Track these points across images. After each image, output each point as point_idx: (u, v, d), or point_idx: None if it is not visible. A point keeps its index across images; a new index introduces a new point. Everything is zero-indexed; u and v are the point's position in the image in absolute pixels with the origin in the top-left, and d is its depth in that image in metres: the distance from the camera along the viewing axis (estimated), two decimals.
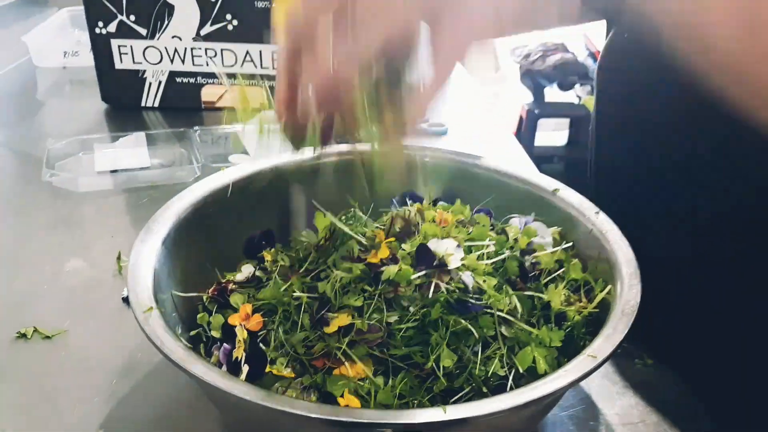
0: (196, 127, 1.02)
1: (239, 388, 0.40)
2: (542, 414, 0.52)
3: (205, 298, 0.58)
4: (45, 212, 0.85)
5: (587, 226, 0.57)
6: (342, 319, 0.49)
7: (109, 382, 0.59)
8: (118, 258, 0.74)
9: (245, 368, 0.48)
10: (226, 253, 0.63)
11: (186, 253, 0.59)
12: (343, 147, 0.64)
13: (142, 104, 1.14)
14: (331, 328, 0.50)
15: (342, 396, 0.49)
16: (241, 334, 0.50)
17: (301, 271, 0.55)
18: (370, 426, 0.38)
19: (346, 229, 0.55)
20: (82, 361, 0.62)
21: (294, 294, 0.52)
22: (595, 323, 0.49)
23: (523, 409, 0.39)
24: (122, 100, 1.15)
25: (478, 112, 1.22)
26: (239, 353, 0.50)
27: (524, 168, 0.66)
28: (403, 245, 0.53)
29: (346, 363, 0.49)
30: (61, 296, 0.70)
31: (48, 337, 0.64)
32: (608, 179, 0.72)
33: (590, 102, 3.17)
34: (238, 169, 0.67)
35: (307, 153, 0.67)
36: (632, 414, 0.56)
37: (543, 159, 3.17)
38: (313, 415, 0.38)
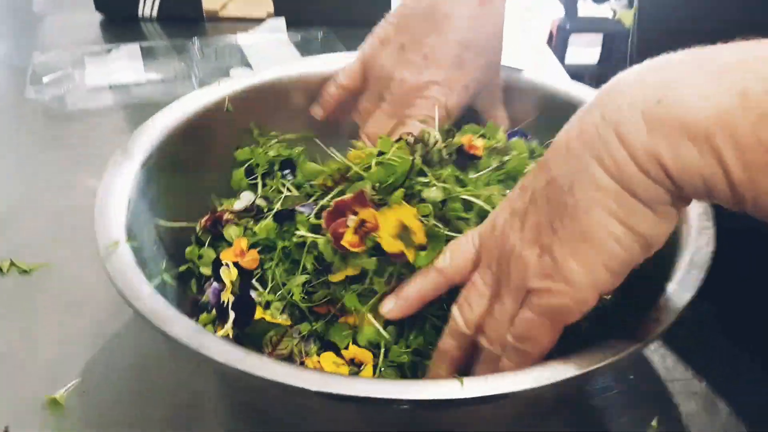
0: (195, 39, 0.92)
1: (209, 346, 0.33)
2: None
3: (197, 228, 0.51)
4: (28, 132, 0.78)
5: None
6: (351, 270, 0.41)
7: (94, 323, 0.53)
8: None
9: (231, 314, 0.41)
10: (225, 177, 0.55)
11: (174, 177, 0.51)
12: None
13: (139, 14, 1.03)
14: (337, 277, 0.42)
15: (347, 348, 0.42)
16: (228, 276, 0.43)
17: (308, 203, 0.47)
18: (375, 402, 0.31)
19: (359, 171, 0.45)
20: (64, 299, 0.55)
21: (297, 232, 0.44)
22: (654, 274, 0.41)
23: (577, 381, 0.32)
24: (117, 10, 1.04)
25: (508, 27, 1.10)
26: (226, 296, 0.43)
27: (575, 83, 0.56)
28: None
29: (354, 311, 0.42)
30: (43, 224, 0.64)
31: (26, 272, 0.57)
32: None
33: (626, 16, 2.97)
34: (237, 80, 0.58)
35: (314, 64, 0.58)
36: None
37: (573, 78, 3.00)
38: (290, 382, 0.31)
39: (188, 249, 0.49)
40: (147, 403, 0.47)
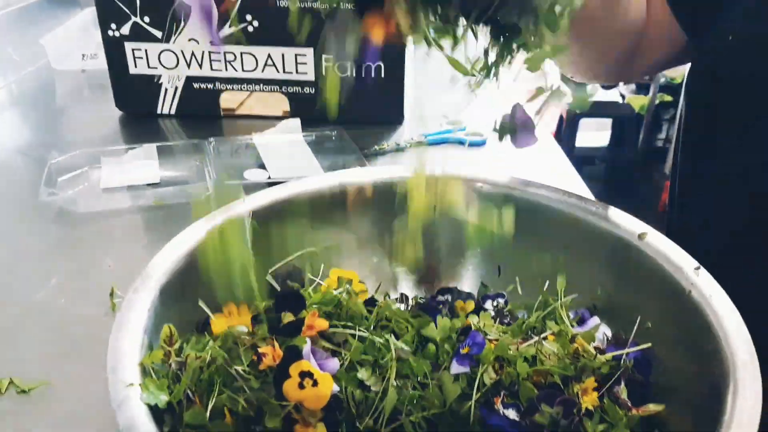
0: (212, 138, 0.92)
1: None
2: None
3: None
4: (40, 235, 0.77)
5: (683, 285, 0.45)
6: None
7: None
8: (111, 294, 0.65)
9: None
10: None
11: (190, 302, 0.49)
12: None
13: (158, 111, 1.05)
14: None
15: None
16: None
17: None
18: None
19: None
20: (65, 421, 0.52)
21: None
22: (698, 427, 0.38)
23: None
24: (137, 108, 1.06)
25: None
26: None
27: (601, 204, 0.54)
28: None
29: None
30: (49, 336, 0.61)
31: (24, 392, 0.55)
32: (694, 198, 0.61)
33: (635, 101, 3.01)
34: (257, 197, 0.56)
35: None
36: None
37: (584, 160, 3.02)
38: None
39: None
40: None
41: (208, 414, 0.41)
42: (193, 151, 0.91)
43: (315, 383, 0.41)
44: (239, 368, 0.42)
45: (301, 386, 0.41)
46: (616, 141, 3.06)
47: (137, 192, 0.84)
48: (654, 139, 3.04)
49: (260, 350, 0.44)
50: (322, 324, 0.47)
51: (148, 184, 0.85)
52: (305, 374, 0.42)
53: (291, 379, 0.41)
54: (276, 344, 0.44)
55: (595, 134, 3.09)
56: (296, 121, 0.97)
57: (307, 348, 0.43)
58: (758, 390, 0.35)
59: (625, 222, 0.51)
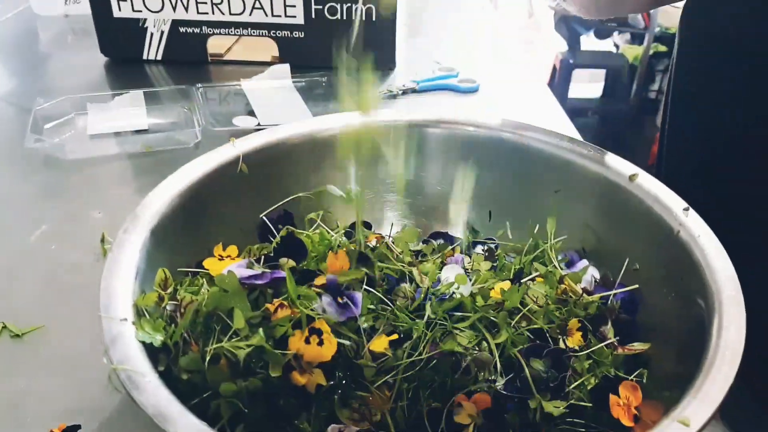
0: (199, 85, 0.91)
1: None
2: None
3: None
4: (28, 182, 0.76)
5: (672, 225, 0.45)
6: None
7: (91, 393, 0.50)
8: (102, 240, 0.65)
9: None
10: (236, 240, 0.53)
11: (180, 244, 0.49)
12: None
13: (144, 57, 1.03)
14: None
15: None
16: None
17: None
18: None
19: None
20: (59, 365, 0.53)
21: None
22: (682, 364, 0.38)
23: None
24: (122, 53, 1.03)
25: (510, 63, 1.10)
26: None
27: (593, 146, 0.54)
28: None
29: None
30: (41, 282, 0.61)
31: (18, 336, 0.55)
32: (682, 148, 0.61)
33: (629, 51, 2.97)
34: (247, 140, 0.56)
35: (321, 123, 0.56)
36: None
37: (576, 112, 2.99)
38: None
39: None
40: None
41: (206, 362, 0.41)
42: (181, 98, 0.89)
43: (321, 342, 0.41)
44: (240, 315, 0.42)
45: (307, 341, 0.41)
46: (609, 92, 3.03)
47: (125, 139, 0.82)
48: (647, 90, 3.01)
49: (274, 303, 0.43)
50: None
51: (136, 131, 0.83)
52: (315, 331, 0.42)
53: (298, 333, 0.42)
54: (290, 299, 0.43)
55: (588, 85, 3.06)
56: (285, 67, 0.95)
57: (327, 299, 0.43)
58: (742, 326, 0.36)
59: (616, 164, 0.51)
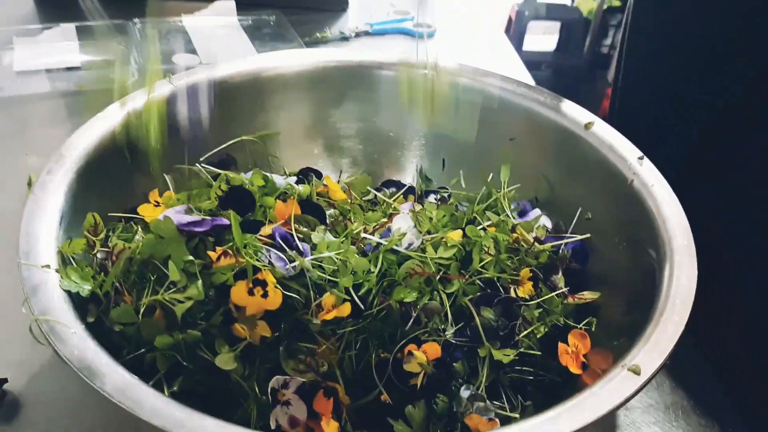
0: (136, 20, 0.85)
1: (144, 405, 0.28)
2: None
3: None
4: None
5: (626, 174, 0.44)
6: None
7: (19, 346, 0.47)
8: (29, 184, 0.60)
9: None
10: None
11: (111, 188, 0.46)
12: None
13: None
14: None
15: None
16: None
17: None
18: None
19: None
20: None
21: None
22: (632, 313, 0.38)
23: None
24: None
25: (467, 10, 1.07)
26: None
27: (550, 93, 0.52)
28: None
29: None
30: None
31: None
32: (633, 104, 0.60)
33: (583, 5, 2.96)
34: (184, 78, 0.52)
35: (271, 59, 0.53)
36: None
37: (530, 65, 2.98)
38: None
39: None
40: None
41: (140, 314, 0.38)
42: (117, 33, 0.83)
43: (265, 294, 0.39)
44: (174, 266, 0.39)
45: (251, 292, 0.39)
46: (563, 46, 3.03)
47: (56, 76, 0.77)
48: (600, 45, 3.02)
49: (216, 251, 0.40)
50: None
51: (68, 68, 0.77)
52: (259, 282, 0.39)
53: (241, 284, 0.39)
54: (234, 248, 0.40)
55: (542, 38, 3.05)
56: (230, 4, 0.89)
57: (275, 253, 0.41)
58: (693, 275, 0.36)
59: (572, 112, 0.50)
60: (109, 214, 0.44)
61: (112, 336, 0.38)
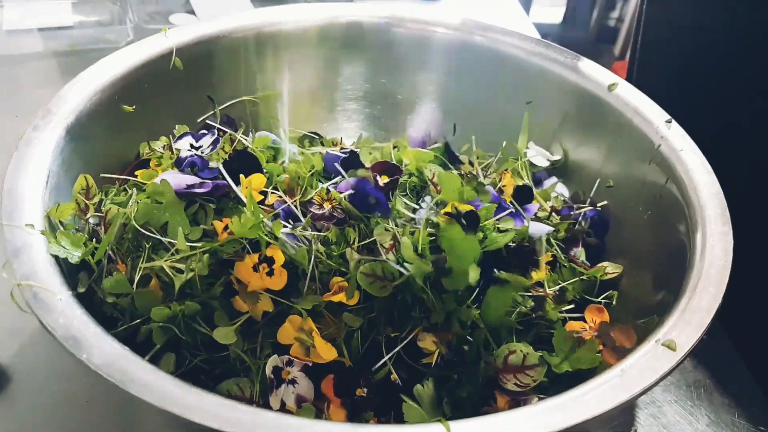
0: None
1: (136, 378, 0.26)
2: None
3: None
4: None
5: (653, 139, 0.41)
6: None
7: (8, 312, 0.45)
8: None
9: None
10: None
11: (104, 147, 0.43)
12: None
13: None
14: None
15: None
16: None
17: None
18: None
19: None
20: None
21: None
22: (659, 289, 0.36)
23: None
24: None
25: None
26: None
27: (569, 52, 0.49)
28: None
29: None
30: None
31: None
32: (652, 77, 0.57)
33: None
34: (181, 32, 0.48)
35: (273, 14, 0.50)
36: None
37: None
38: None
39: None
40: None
41: (134, 284, 0.36)
42: None
43: (271, 272, 0.36)
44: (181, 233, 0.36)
45: (255, 269, 0.36)
46: (570, 18, 2.97)
47: (48, 35, 0.73)
48: (608, 17, 2.96)
49: (222, 221, 0.38)
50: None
51: (60, 27, 0.74)
52: (266, 259, 0.36)
53: (248, 258, 0.36)
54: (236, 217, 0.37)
55: (549, 10, 2.99)
56: None
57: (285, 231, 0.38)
58: (729, 244, 0.33)
59: (593, 72, 0.47)
60: (101, 176, 0.41)
61: (105, 308, 0.36)
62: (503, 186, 0.45)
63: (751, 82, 0.46)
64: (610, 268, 0.42)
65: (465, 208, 0.37)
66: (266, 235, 0.36)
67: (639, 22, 0.64)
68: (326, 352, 0.35)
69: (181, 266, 0.36)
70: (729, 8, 0.48)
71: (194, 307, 0.35)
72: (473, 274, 0.34)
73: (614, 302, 0.40)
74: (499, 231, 0.38)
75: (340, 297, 0.36)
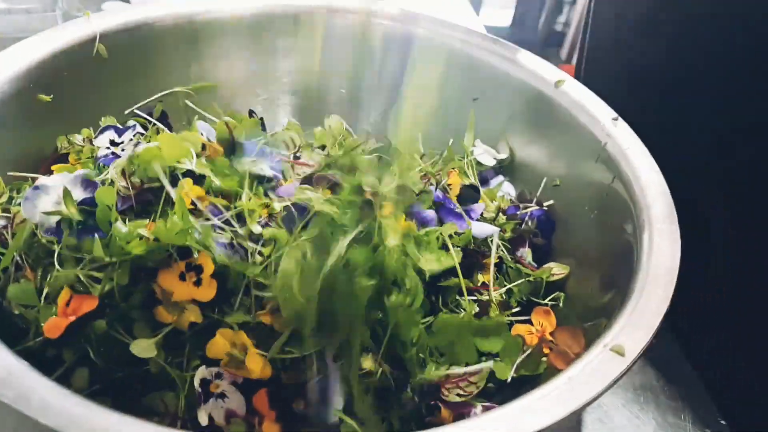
0: None
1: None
2: None
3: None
4: None
5: (599, 137, 0.41)
6: None
7: None
8: None
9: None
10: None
11: (16, 142, 0.39)
12: None
13: None
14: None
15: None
16: None
17: None
18: None
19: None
20: None
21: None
22: (607, 290, 0.34)
23: None
24: None
25: None
26: None
27: (516, 47, 0.47)
28: None
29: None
30: None
31: None
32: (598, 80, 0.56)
33: None
34: (106, 17, 0.45)
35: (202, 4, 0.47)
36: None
37: None
38: None
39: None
40: None
41: (42, 295, 0.32)
42: None
43: (199, 282, 0.33)
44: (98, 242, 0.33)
45: (182, 277, 0.33)
46: (518, 21, 3.01)
47: None
48: (554, 21, 3.02)
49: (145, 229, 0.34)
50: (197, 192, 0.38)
51: None
52: (194, 268, 0.33)
53: (174, 268, 0.33)
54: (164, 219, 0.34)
55: (499, 12, 3.02)
56: None
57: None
58: (677, 244, 0.32)
59: (541, 69, 0.46)
60: (9, 174, 0.38)
61: (15, 320, 0.32)
62: (449, 185, 0.44)
63: (698, 83, 0.46)
64: (557, 269, 0.40)
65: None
66: (196, 242, 0.33)
67: (586, 24, 0.64)
68: (261, 369, 0.33)
69: (99, 275, 0.33)
70: (677, 8, 0.48)
71: (101, 326, 0.32)
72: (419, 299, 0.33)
73: (561, 304, 0.39)
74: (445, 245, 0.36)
75: (270, 320, 0.34)
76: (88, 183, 0.35)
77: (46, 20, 0.70)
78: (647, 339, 0.28)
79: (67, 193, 0.34)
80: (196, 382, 0.32)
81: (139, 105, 0.45)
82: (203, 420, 0.32)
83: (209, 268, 0.34)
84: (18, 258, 0.33)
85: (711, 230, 0.42)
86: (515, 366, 0.35)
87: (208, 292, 0.34)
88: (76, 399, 0.23)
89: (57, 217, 0.34)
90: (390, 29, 0.49)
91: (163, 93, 0.46)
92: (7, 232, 0.35)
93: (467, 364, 0.34)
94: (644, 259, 0.32)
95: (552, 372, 0.33)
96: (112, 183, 0.35)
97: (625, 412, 0.41)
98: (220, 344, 0.33)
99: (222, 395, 0.33)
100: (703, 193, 0.43)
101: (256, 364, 0.33)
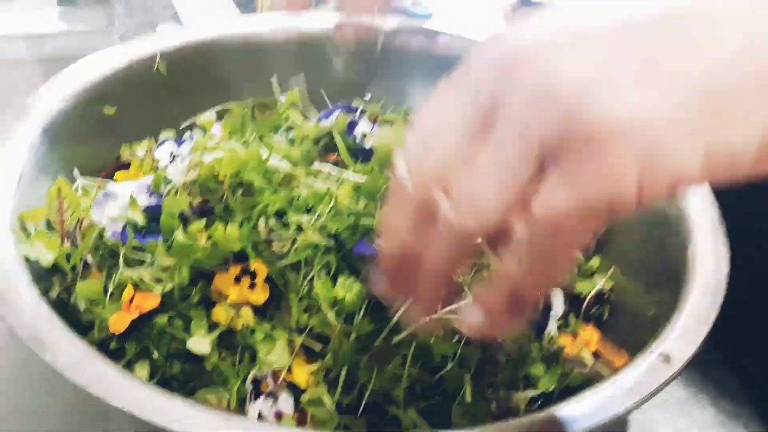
0: None
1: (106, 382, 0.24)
2: None
3: None
4: None
5: None
6: None
7: None
8: None
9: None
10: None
11: (82, 147, 0.42)
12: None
13: None
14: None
15: None
16: None
17: None
18: None
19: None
20: None
21: None
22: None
23: None
24: None
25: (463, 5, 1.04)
26: None
27: None
28: None
29: None
30: None
31: None
32: None
33: None
34: (167, 37, 0.48)
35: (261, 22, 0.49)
36: None
37: None
38: None
39: None
40: None
41: (109, 291, 0.34)
42: (97, 1, 0.79)
43: (253, 285, 0.35)
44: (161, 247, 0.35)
45: (237, 280, 0.35)
46: None
47: (33, 41, 0.72)
48: None
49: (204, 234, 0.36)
50: None
51: (44, 35, 0.73)
52: (248, 273, 0.35)
53: (229, 272, 0.35)
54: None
55: None
56: None
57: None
58: (724, 257, 0.32)
59: None
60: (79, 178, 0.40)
61: (80, 316, 0.34)
62: None
63: None
64: (602, 282, 0.41)
65: None
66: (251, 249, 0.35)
67: None
68: (304, 381, 0.34)
69: (161, 276, 0.35)
70: None
71: (162, 322, 0.33)
72: None
73: (606, 316, 0.39)
74: None
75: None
76: (152, 191, 0.38)
77: (104, 41, 0.73)
78: (695, 347, 0.28)
79: (133, 200, 0.36)
80: (249, 381, 0.34)
81: (193, 119, 0.48)
82: (253, 417, 0.33)
83: (263, 273, 0.35)
84: (86, 259, 0.35)
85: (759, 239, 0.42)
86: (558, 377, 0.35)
87: (260, 295, 0.35)
88: (141, 383, 0.25)
89: (123, 221, 0.36)
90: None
91: (218, 107, 0.48)
92: (77, 234, 0.37)
93: None
94: (692, 269, 0.32)
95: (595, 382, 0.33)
96: (176, 192, 0.37)
97: (670, 424, 0.41)
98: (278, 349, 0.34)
99: (272, 394, 0.34)
100: (749, 200, 0.43)
101: (302, 378, 0.34)
